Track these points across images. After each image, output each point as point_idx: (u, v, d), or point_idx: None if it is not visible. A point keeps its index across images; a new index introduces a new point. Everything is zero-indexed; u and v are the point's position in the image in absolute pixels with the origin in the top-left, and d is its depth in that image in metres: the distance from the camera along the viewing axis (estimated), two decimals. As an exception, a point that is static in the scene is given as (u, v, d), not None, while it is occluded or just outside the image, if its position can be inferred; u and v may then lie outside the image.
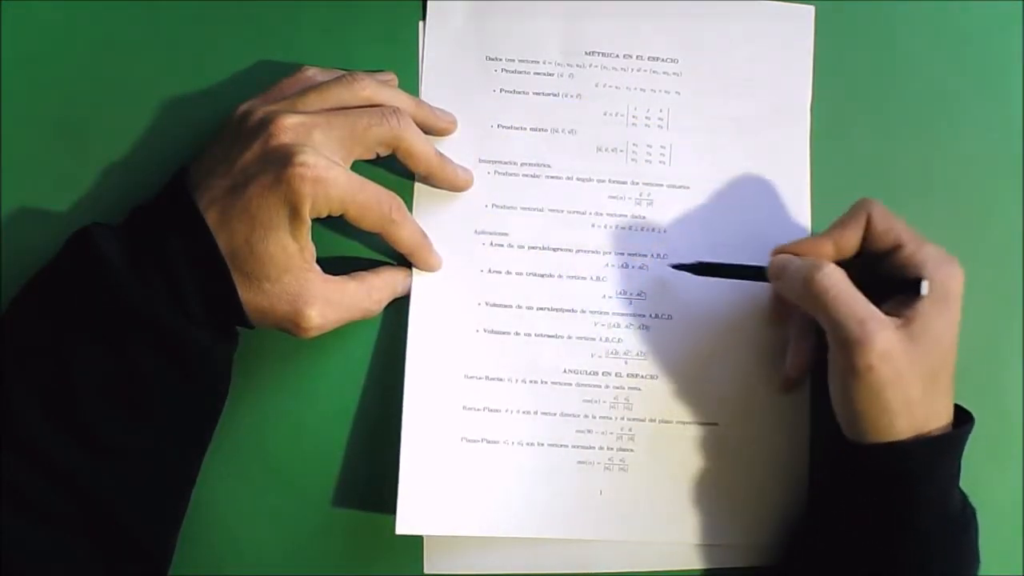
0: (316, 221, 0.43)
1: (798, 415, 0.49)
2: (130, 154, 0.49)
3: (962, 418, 0.45)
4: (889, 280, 0.44)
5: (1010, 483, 0.51)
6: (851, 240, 0.45)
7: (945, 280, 0.43)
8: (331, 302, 0.44)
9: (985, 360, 0.51)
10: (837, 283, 0.42)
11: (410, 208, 0.48)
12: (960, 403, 0.45)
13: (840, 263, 0.44)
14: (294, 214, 0.42)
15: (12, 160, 0.49)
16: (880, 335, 0.41)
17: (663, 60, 0.51)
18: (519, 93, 0.50)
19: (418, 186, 0.49)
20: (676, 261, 0.49)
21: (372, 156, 0.45)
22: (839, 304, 0.42)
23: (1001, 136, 0.52)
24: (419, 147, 0.46)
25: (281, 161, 0.41)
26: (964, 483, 0.45)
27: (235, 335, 0.44)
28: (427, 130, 0.48)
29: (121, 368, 0.41)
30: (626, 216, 0.50)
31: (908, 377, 0.41)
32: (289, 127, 0.42)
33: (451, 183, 0.49)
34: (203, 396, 0.44)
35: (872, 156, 0.52)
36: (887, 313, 0.42)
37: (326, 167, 0.42)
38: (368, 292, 0.46)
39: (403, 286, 0.48)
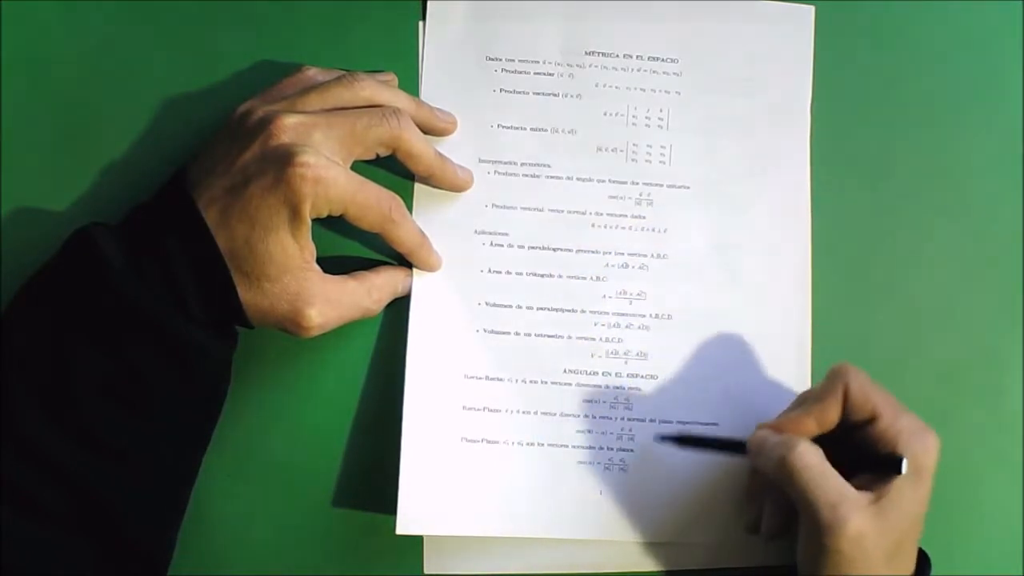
0: (316, 221, 0.43)
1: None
2: (130, 154, 0.49)
3: (921, 563, 0.44)
4: (866, 454, 0.43)
5: (1010, 483, 0.51)
6: (832, 415, 0.44)
7: (920, 454, 0.42)
8: (331, 301, 0.44)
9: (985, 361, 0.51)
10: (810, 464, 0.41)
11: (410, 208, 0.48)
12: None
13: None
14: (294, 214, 0.42)
15: (12, 160, 0.49)
16: (852, 520, 0.40)
17: (663, 60, 0.51)
18: (519, 93, 0.50)
19: (418, 186, 0.49)
20: (662, 430, 0.49)
21: (372, 156, 0.45)
22: (812, 486, 0.41)
23: (1001, 136, 0.52)
24: (419, 148, 0.46)
25: (281, 161, 0.41)
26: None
27: (235, 335, 0.44)
28: (427, 130, 0.48)
29: (121, 368, 0.41)
30: (626, 216, 0.50)
31: (875, 555, 0.41)
32: (289, 127, 0.42)
33: (451, 183, 0.49)
34: (203, 396, 0.44)
35: (872, 156, 0.52)
36: (860, 486, 0.42)
37: (326, 167, 0.42)
38: (368, 291, 0.46)
39: (403, 286, 0.48)
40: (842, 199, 0.51)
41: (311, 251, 0.43)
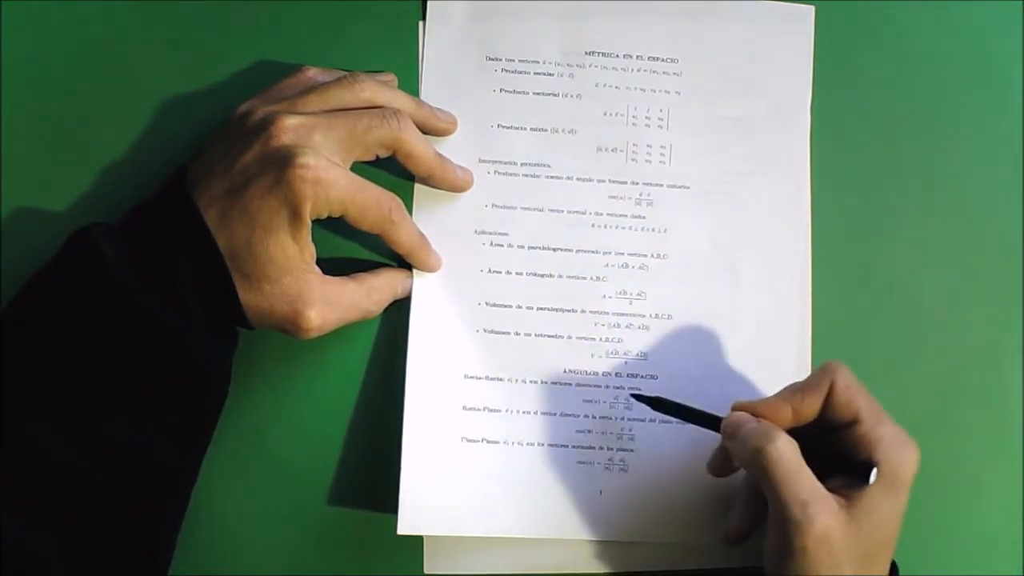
0: (316, 222, 0.43)
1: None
2: (130, 154, 0.49)
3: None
4: (841, 458, 0.43)
5: (1010, 483, 0.51)
6: (811, 408, 0.43)
7: (897, 464, 0.41)
8: (330, 303, 0.44)
9: (985, 360, 0.51)
10: (786, 459, 0.41)
11: (410, 209, 0.48)
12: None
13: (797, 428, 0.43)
14: (294, 215, 0.42)
15: (12, 160, 0.49)
16: (819, 520, 0.40)
17: (663, 60, 0.51)
18: (519, 93, 0.50)
19: (418, 187, 0.49)
20: (638, 391, 0.48)
21: (372, 157, 0.45)
22: (784, 481, 0.40)
23: (1001, 136, 0.52)
24: (418, 149, 0.46)
25: (281, 162, 0.41)
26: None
27: (235, 336, 0.44)
28: (427, 131, 0.48)
29: (121, 368, 0.41)
30: (626, 216, 0.50)
31: (842, 561, 0.40)
32: (289, 128, 0.42)
33: (451, 184, 0.49)
34: (203, 396, 0.43)
35: (872, 156, 0.52)
36: (833, 489, 0.41)
37: (326, 168, 0.42)
38: (368, 293, 0.46)
39: (403, 287, 0.48)
40: (842, 199, 0.51)
41: (311, 252, 0.43)
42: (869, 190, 0.52)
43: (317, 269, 0.44)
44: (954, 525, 0.51)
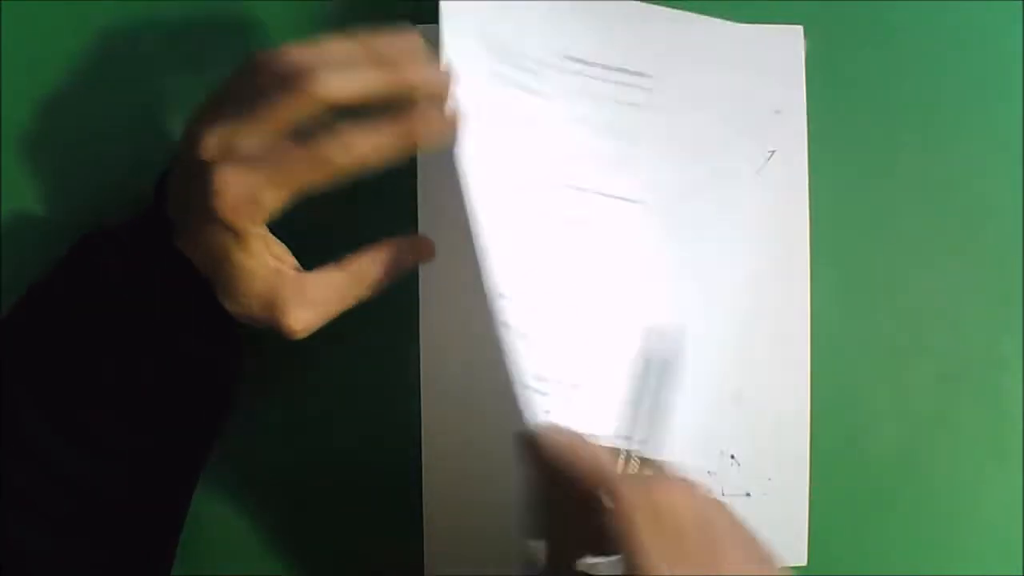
0: (301, 207, 0.39)
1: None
2: (130, 154, 0.49)
3: None
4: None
5: (1010, 483, 0.51)
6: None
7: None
8: (308, 301, 0.41)
9: (985, 360, 0.52)
10: None
11: (414, 210, 0.48)
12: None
13: None
14: (236, 236, 0.39)
15: (12, 160, 0.49)
16: None
17: (642, 75, 0.49)
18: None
19: (421, 188, 0.48)
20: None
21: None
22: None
23: (1001, 136, 0.52)
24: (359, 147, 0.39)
25: (203, 197, 0.38)
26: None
27: (238, 339, 0.43)
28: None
29: (123, 372, 0.41)
30: (623, 222, 0.50)
31: None
32: (231, 185, 0.38)
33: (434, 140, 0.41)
34: (204, 398, 0.43)
35: (871, 156, 0.52)
36: None
37: (245, 181, 0.38)
38: (356, 278, 0.43)
39: (398, 262, 0.44)
40: (841, 200, 0.51)
41: (277, 254, 0.41)
42: (868, 191, 0.52)
43: (289, 270, 0.41)
44: (954, 525, 0.51)
